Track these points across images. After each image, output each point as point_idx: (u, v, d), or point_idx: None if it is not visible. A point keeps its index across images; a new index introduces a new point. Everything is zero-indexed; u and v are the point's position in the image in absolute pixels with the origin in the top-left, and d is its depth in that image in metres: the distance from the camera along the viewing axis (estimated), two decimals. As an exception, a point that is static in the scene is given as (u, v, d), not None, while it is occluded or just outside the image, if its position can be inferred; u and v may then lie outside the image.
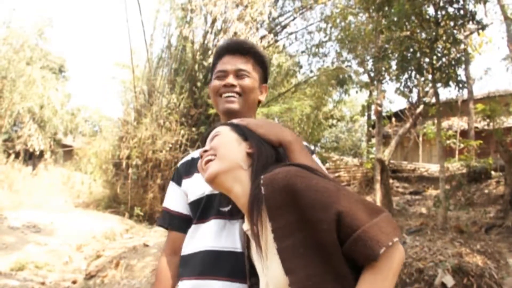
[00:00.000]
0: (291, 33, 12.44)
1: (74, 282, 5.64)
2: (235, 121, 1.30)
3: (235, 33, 9.79)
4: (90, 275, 5.82)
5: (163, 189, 9.71)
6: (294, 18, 12.13)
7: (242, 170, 1.18)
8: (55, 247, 7.00)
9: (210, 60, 9.85)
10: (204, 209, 1.39)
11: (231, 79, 1.46)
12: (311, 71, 12.54)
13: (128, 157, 9.73)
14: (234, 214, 1.30)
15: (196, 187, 1.43)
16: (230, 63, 1.48)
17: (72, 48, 55.68)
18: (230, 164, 1.18)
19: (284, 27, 12.18)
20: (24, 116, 14.20)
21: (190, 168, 1.50)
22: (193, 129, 9.91)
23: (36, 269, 6.11)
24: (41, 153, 14.17)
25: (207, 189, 1.38)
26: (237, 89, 1.45)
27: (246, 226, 1.18)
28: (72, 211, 9.57)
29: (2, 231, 7.32)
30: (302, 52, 12.58)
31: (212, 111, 9.68)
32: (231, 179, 1.17)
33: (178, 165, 1.58)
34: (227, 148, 1.21)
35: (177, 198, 1.51)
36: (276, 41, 12.00)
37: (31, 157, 15.43)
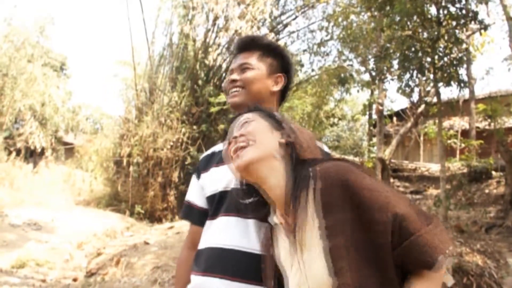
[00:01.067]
0: (292, 32, 12.43)
1: (74, 279, 5.64)
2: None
3: (236, 31, 9.79)
4: (90, 272, 5.82)
5: (164, 187, 9.72)
6: (296, 17, 12.11)
7: (277, 160, 1.11)
8: (55, 244, 7.02)
9: (212, 58, 9.88)
10: (216, 205, 1.40)
11: (234, 75, 1.49)
12: (313, 70, 12.54)
13: (129, 155, 9.74)
14: (244, 211, 1.30)
15: (212, 182, 1.44)
16: (237, 61, 1.52)
17: (73, 45, 55.70)
18: (266, 152, 1.11)
19: (286, 25, 12.16)
20: (25, 114, 14.21)
21: (209, 162, 1.51)
22: (194, 127, 9.91)
23: (36, 266, 6.12)
24: (42, 151, 14.19)
25: (220, 186, 1.39)
26: (239, 83, 1.47)
27: (276, 219, 1.13)
28: (73, 209, 9.58)
29: (3, 229, 7.33)
30: (304, 50, 12.57)
31: (213, 109, 9.68)
32: (266, 168, 1.10)
33: (200, 158, 1.61)
34: (262, 135, 1.13)
35: (196, 192, 1.52)
36: (278, 39, 11.99)
37: (32, 155, 15.44)
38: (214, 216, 1.40)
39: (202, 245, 1.41)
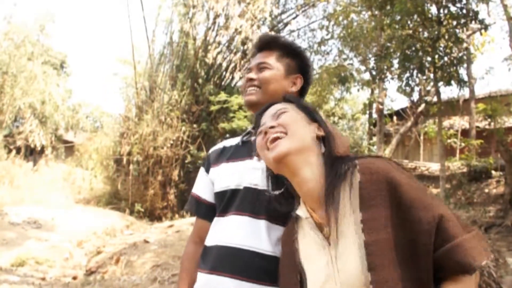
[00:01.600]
0: (293, 31, 12.43)
1: (74, 278, 5.65)
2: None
3: (236, 30, 9.79)
4: (90, 271, 5.83)
5: (163, 185, 9.72)
6: (297, 16, 12.12)
7: (313, 153, 1.09)
8: (55, 243, 7.02)
9: (211, 56, 9.89)
10: (227, 203, 1.39)
11: (251, 74, 1.48)
12: (313, 69, 12.53)
13: (129, 154, 9.74)
14: (257, 211, 1.30)
15: (222, 178, 1.43)
16: (255, 60, 1.51)
17: (73, 43, 55.58)
18: (303, 144, 1.08)
19: (286, 24, 12.16)
20: (25, 112, 14.20)
21: (220, 157, 1.51)
22: (194, 125, 9.92)
23: (36, 264, 6.12)
24: (42, 149, 14.18)
25: (232, 183, 1.38)
26: (256, 82, 1.46)
27: (305, 213, 1.10)
28: (73, 207, 9.58)
29: (3, 227, 7.34)
30: (304, 49, 12.55)
31: (213, 108, 9.68)
32: (302, 160, 1.07)
33: (210, 151, 1.59)
34: (299, 127, 1.10)
35: (204, 185, 1.51)
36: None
37: (32, 153, 15.43)
38: (223, 213, 1.39)
39: (210, 242, 1.39)
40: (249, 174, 1.36)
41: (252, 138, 1.46)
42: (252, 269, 1.26)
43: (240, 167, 1.41)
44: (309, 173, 1.06)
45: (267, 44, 1.52)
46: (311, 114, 1.17)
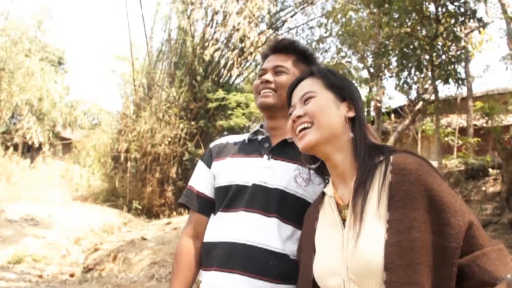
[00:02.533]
0: (291, 28, 12.40)
1: (71, 275, 5.65)
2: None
3: (234, 27, 9.78)
4: (87, 268, 5.83)
5: (161, 183, 9.72)
6: (295, 13, 12.09)
7: (342, 138, 1.08)
8: (53, 240, 7.01)
9: (209, 53, 9.87)
10: (232, 198, 1.37)
11: (267, 76, 1.47)
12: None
13: (127, 151, 9.74)
14: (268, 210, 1.30)
15: (226, 172, 1.42)
16: (270, 62, 1.50)
17: (71, 40, 55.44)
18: (330, 134, 1.07)
19: (285, 22, 12.14)
20: (23, 108, 14.13)
21: (223, 151, 1.49)
22: (192, 123, 9.91)
23: (33, 262, 6.12)
24: (40, 146, 14.13)
25: (237, 179, 1.38)
26: (272, 85, 1.45)
27: (331, 191, 1.10)
28: (70, 204, 9.58)
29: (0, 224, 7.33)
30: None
31: (211, 105, 9.67)
32: (331, 148, 1.07)
33: (211, 145, 1.57)
34: (326, 116, 1.08)
35: (204, 179, 1.48)
36: (277, 36, 11.96)
37: (30, 150, 15.40)
38: (228, 209, 1.37)
39: (214, 238, 1.37)
40: (258, 171, 1.36)
41: (259, 137, 1.48)
42: (263, 267, 1.25)
43: (248, 163, 1.40)
44: (340, 157, 1.08)
45: (285, 47, 1.51)
46: (341, 92, 1.13)
